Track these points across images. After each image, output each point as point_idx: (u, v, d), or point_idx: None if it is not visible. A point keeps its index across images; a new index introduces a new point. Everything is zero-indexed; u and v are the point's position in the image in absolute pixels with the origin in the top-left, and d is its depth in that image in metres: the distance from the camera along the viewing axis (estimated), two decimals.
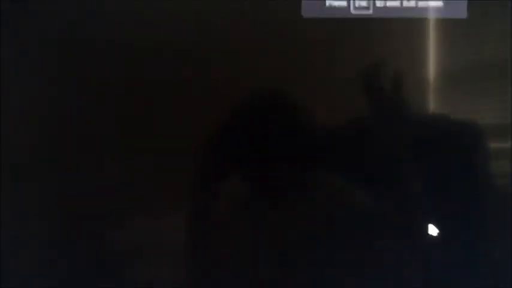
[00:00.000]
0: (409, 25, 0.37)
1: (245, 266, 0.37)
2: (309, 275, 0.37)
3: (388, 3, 0.36)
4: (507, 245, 0.36)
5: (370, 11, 0.36)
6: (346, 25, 0.36)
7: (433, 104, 0.37)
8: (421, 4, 0.36)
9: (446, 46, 0.37)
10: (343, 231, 0.36)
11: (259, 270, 0.37)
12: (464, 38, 0.37)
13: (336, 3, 0.36)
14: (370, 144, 0.37)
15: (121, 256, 0.37)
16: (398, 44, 0.37)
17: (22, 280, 0.37)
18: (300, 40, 0.36)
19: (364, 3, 0.36)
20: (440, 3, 0.36)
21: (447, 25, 0.36)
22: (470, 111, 0.37)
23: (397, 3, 0.36)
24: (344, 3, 0.36)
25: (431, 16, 0.36)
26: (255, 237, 0.37)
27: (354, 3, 0.36)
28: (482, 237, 0.36)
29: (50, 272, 0.37)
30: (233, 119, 0.36)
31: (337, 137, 0.37)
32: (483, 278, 0.36)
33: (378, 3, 0.36)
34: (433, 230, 0.36)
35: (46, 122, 0.37)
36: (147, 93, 0.37)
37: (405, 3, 0.36)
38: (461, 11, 0.36)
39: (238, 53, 0.36)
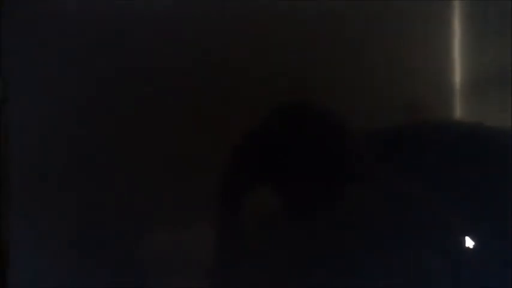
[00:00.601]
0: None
1: (272, 276, 0.36)
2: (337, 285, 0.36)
3: None
4: None
5: None
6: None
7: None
8: None
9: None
10: (373, 242, 0.36)
11: (285, 280, 0.36)
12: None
13: None
14: (399, 153, 0.36)
15: (145, 267, 0.36)
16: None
17: None
18: (331, 46, 0.36)
19: None
20: None
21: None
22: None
23: None
24: None
25: None
26: (281, 248, 0.36)
27: None
28: None
29: (69, 281, 0.36)
30: (260, 129, 0.36)
31: (365, 146, 0.36)
32: None
33: None
34: (469, 242, 0.36)
35: (66, 127, 0.36)
36: (170, 103, 0.36)
37: None
38: None
39: (264, 60, 0.36)
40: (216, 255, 0.37)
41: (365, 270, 0.36)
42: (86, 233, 0.36)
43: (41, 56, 0.36)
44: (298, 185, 0.36)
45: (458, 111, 0.36)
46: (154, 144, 0.36)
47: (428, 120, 0.36)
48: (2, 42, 0.35)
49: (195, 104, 0.36)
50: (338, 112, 0.36)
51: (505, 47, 0.36)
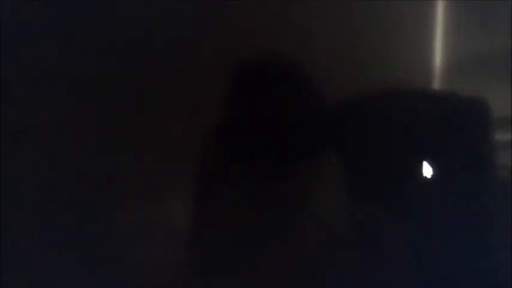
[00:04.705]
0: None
1: (247, 251, 0.37)
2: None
3: None
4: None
5: None
6: None
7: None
8: None
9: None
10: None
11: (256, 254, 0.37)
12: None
13: None
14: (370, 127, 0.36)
15: (121, 238, 0.36)
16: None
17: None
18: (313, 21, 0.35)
19: None
20: None
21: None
22: None
23: None
24: None
25: None
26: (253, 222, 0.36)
27: None
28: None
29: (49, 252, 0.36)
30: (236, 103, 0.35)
31: (339, 120, 0.36)
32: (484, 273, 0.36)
33: None
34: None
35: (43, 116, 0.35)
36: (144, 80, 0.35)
37: None
38: None
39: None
40: (193, 227, 0.37)
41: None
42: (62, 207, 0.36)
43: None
44: (276, 159, 0.36)
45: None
46: (131, 121, 0.36)
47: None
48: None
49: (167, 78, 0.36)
50: (317, 88, 0.36)
51: (486, 31, 0.36)
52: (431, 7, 0.36)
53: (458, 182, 0.36)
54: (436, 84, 0.37)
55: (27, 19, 0.34)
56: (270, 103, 0.36)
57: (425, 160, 0.36)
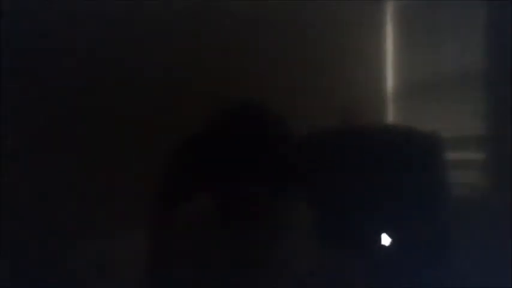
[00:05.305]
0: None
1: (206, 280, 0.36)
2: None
3: None
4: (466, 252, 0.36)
5: None
6: None
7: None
8: None
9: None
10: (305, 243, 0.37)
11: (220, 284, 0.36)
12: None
13: None
14: (331, 155, 0.37)
15: (80, 275, 0.36)
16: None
17: None
18: (266, 51, 0.36)
19: None
20: None
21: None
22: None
23: None
24: None
25: None
26: (216, 257, 0.36)
27: None
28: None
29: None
30: (198, 132, 0.36)
31: (300, 148, 0.36)
32: None
33: None
34: (385, 240, 0.36)
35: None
36: (110, 100, 0.36)
37: None
38: None
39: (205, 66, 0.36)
40: (152, 259, 0.36)
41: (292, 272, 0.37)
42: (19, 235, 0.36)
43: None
44: (235, 188, 0.36)
45: (390, 114, 0.37)
46: (91, 144, 0.36)
47: (360, 124, 0.37)
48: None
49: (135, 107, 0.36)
50: (274, 115, 0.36)
51: (436, 53, 0.37)
52: (380, 31, 0.37)
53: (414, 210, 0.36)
54: (390, 108, 0.37)
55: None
56: (238, 140, 0.36)
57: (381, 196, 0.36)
